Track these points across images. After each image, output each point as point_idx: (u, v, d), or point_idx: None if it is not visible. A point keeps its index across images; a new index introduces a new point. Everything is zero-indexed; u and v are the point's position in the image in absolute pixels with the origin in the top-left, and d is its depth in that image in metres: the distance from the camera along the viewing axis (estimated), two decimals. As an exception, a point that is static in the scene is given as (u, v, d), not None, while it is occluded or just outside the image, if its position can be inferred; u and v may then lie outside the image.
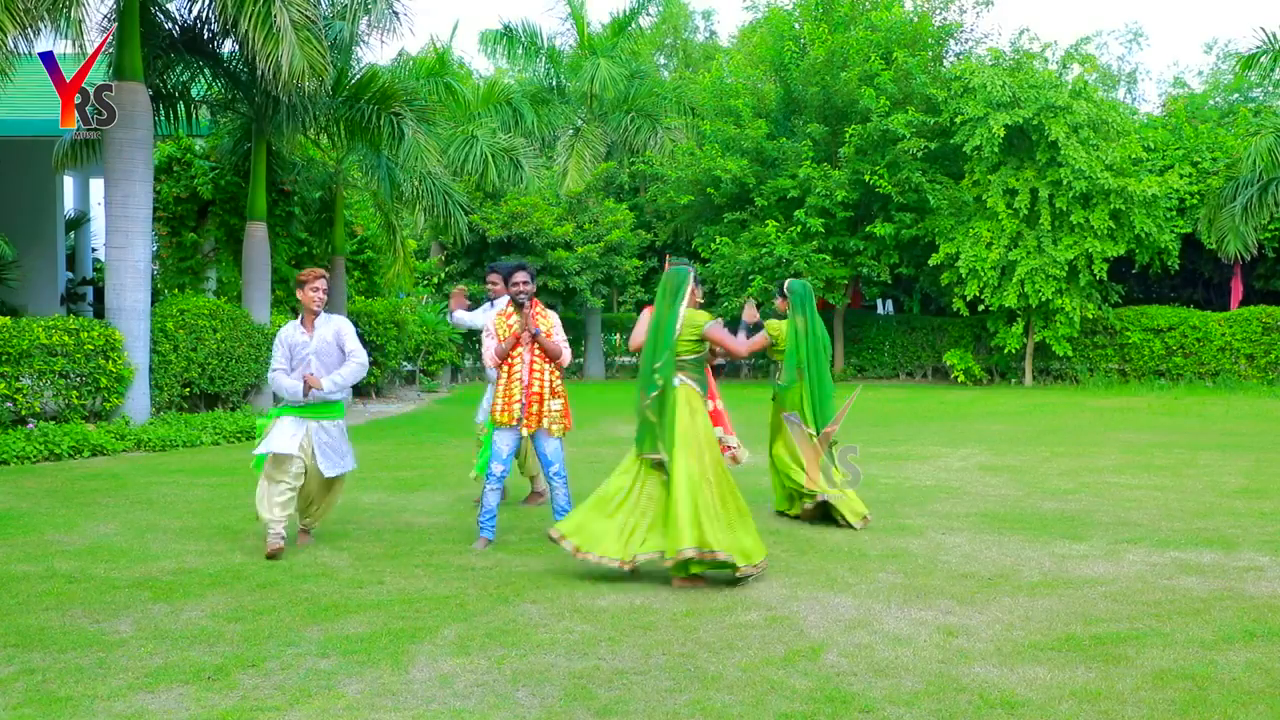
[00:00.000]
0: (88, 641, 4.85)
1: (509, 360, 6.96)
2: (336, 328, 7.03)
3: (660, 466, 6.09)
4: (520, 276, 6.98)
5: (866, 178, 23.20)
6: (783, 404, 7.96)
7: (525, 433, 6.97)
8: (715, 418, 7.22)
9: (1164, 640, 4.80)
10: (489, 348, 7.06)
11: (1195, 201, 22.41)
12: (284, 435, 6.81)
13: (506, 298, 7.43)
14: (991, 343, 23.69)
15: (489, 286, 8.39)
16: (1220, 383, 21.97)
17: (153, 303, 13.61)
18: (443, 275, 26.66)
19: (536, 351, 6.97)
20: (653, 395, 6.17)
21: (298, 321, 7.04)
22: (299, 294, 6.99)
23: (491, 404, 7.12)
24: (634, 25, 28.76)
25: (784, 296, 8.00)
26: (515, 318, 7.01)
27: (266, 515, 6.69)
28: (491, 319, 7.18)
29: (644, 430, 6.20)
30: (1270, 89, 26.29)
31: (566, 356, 7.07)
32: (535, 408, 6.93)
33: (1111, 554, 6.62)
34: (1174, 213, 22.47)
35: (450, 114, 21.06)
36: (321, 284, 6.97)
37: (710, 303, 26.49)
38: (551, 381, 6.99)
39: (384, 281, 21.48)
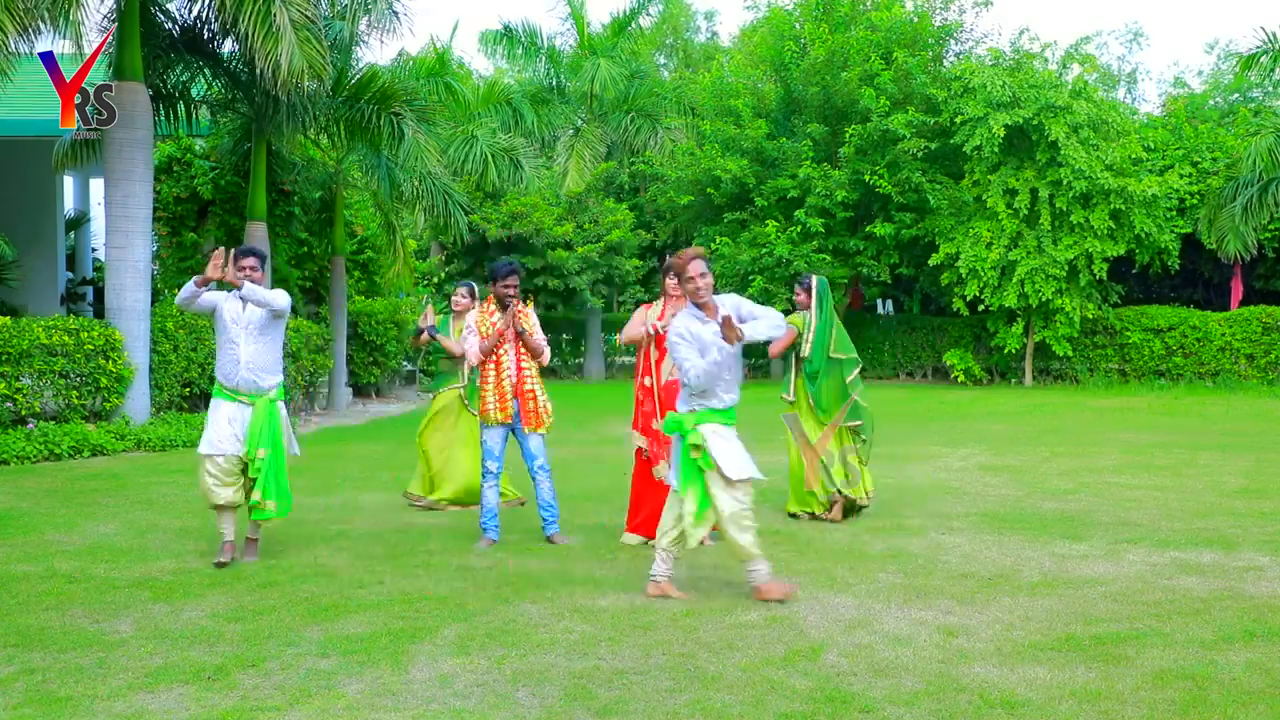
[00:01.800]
0: (88, 641, 4.84)
1: (497, 359, 7.03)
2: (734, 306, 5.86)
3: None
4: (514, 280, 7.13)
5: (866, 178, 23.20)
6: (469, 399, 8.46)
7: (528, 430, 7.05)
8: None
9: (1164, 640, 4.80)
10: (473, 345, 7.11)
11: (1195, 201, 22.40)
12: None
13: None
14: (991, 343, 23.69)
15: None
16: (1220, 383, 21.97)
17: (153, 303, 13.61)
18: (443, 275, 26.67)
19: (521, 350, 7.09)
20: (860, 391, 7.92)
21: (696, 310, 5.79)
22: (686, 288, 5.77)
23: (482, 402, 7.09)
24: (634, 25, 28.76)
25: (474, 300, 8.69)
26: (498, 315, 7.10)
27: None
28: (474, 316, 7.29)
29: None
30: (1270, 89, 26.27)
31: (546, 355, 7.21)
32: (531, 405, 7.06)
33: (1111, 554, 6.62)
34: (1174, 213, 22.46)
35: (450, 114, 21.07)
36: (698, 264, 5.72)
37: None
38: (537, 379, 7.15)
39: (384, 281, 21.49)
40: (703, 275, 5.73)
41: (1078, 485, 9.48)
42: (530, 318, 7.18)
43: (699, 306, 5.76)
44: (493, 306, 7.16)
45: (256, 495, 6.48)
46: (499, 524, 7.13)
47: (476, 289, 8.90)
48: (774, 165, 24.32)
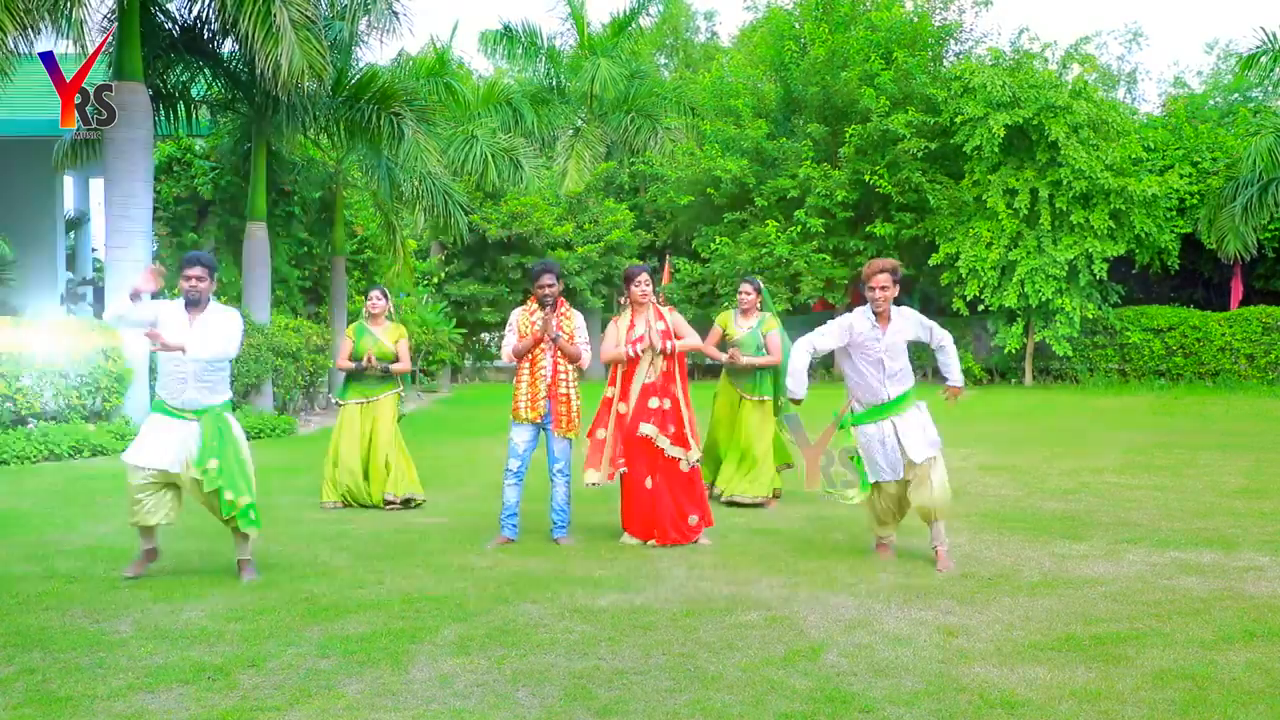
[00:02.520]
0: (88, 641, 4.84)
1: (533, 358, 6.99)
2: (909, 320, 6.27)
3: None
4: (547, 279, 7.01)
5: (866, 178, 23.21)
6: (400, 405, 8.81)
7: (557, 433, 7.01)
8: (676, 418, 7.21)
9: (1164, 640, 4.80)
10: (510, 343, 7.07)
11: (1195, 201, 22.42)
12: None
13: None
14: (992, 343, 23.70)
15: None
16: (1220, 383, 21.98)
17: (153, 302, 13.60)
18: (443, 275, 26.68)
19: (559, 352, 7.03)
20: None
21: (867, 310, 6.23)
22: (867, 294, 6.19)
23: (515, 400, 7.04)
24: (634, 25, 28.79)
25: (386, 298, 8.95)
26: (539, 315, 7.03)
27: None
28: (516, 315, 7.18)
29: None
30: (1270, 89, 26.29)
31: (586, 360, 7.10)
32: (563, 408, 6.99)
33: (1111, 554, 6.62)
34: (1174, 213, 22.49)
35: (450, 114, 21.09)
36: (883, 278, 6.13)
37: (710, 302, 26.52)
38: (573, 383, 7.07)
39: (384, 281, 21.48)
40: (884, 289, 6.08)
41: (1078, 485, 9.48)
42: (573, 319, 7.11)
43: (876, 315, 6.17)
44: (534, 306, 7.09)
45: (229, 496, 5.79)
46: (517, 523, 7.11)
47: (389, 291, 9.04)
48: (774, 165, 24.33)
